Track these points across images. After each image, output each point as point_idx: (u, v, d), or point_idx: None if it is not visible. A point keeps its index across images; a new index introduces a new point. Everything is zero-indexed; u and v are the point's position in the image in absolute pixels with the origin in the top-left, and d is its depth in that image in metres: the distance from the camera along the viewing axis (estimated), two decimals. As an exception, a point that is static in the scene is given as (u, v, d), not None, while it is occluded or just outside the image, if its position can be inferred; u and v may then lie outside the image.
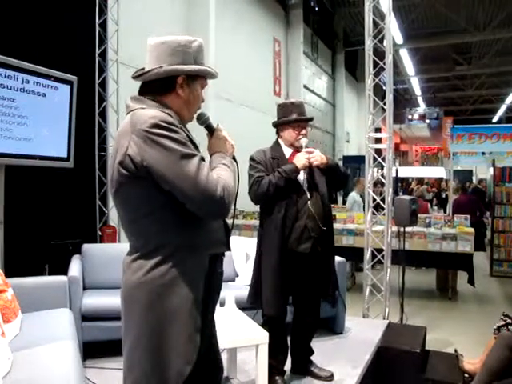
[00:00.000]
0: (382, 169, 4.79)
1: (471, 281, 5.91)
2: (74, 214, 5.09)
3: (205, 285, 1.55)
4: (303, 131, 2.96)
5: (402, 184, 16.19)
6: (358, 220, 6.39)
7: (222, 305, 3.04)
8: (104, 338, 3.28)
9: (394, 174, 10.66)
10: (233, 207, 1.58)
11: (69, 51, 4.90)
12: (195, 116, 1.71)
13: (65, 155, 4.55)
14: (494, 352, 3.17)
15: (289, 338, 3.08)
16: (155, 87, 1.60)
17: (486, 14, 12.96)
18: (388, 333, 3.98)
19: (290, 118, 2.94)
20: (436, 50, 15.55)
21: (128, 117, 1.55)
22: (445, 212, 11.17)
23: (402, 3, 12.41)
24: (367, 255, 4.69)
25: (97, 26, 5.56)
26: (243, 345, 2.72)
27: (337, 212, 6.86)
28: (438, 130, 18.95)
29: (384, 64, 4.60)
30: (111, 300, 3.22)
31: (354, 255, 5.82)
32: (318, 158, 2.87)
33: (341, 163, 11.95)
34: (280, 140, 3.03)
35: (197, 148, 1.60)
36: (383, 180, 4.72)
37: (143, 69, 1.63)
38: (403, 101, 22.95)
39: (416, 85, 20.62)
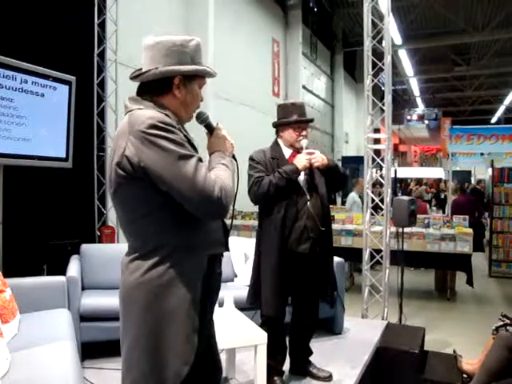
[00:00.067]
0: (381, 169, 4.79)
1: (470, 281, 5.92)
2: (72, 214, 5.08)
3: (203, 285, 1.55)
4: (303, 132, 2.96)
5: (400, 185, 16.21)
6: (357, 220, 6.39)
7: (221, 305, 3.03)
8: (102, 339, 3.27)
9: (393, 175, 10.66)
10: (232, 207, 1.57)
11: (67, 51, 4.90)
12: (194, 115, 1.70)
13: (63, 155, 4.55)
14: (492, 352, 3.18)
15: (287, 339, 3.08)
16: (152, 88, 1.59)
17: (485, 14, 12.98)
18: (387, 333, 3.98)
19: (291, 118, 2.94)
20: (435, 50, 15.57)
21: (126, 117, 1.55)
22: (444, 213, 11.18)
23: (400, 4, 12.43)
24: (366, 256, 4.69)
25: (95, 26, 5.56)
26: (242, 345, 2.71)
27: (336, 213, 6.86)
28: (437, 130, 18.96)
29: (383, 65, 4.60)
30: (110, 300, 3.22)
31: (353, 256, 5.82)
32: (319, 159, 2.87)
33: (340, 164, 11.95)
34: (279, 140, 3.03)
35: (195, 149, 1.59)
36: (382, 180, 4.72)
37: (141, 69, 1.62)
38: (402, 101, 22.97)
39: (415, 85, 20.64)
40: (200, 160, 1.50)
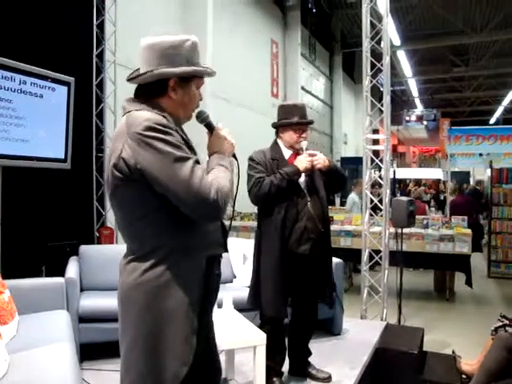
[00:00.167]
0: (380, 170, 4.79)
1: (469, 282, 5.92)
2: (71, 215, 5.08)
3: (202, 286, 1.55)
4: (304, 134, 2.96)
5: (399, 185, 16.22)
6: (356, 221, 6.40)
7: (220, 306, 3.03)
8: (101, 340, 3.27)
9: (392, 176, 10.67)
10: (231, 208, 1.57)
11: (66, 52, 4.90)
12: (194, 114, 1.69)
13: (62, 156, 4.55)
14: (491, 353, 3.18)
15: (286, 340, 3.08)
16: (149, 90, 1.59)
17: (483, 15, 13.00)
18: (386, 334, 3.98)
19: (292, 120, 2.93)
20: (433, 51, 15.58)
21: (123, 119, 1.54)
22: (443, 214, 11.19)
23: (399, 5, 12.44)
24: (365, 256, 4.69)
25: (94, 27, 5.56)
26: (241, 346, 2.72)
27: (335, 213, 6.86)
28: (436, 131, 18.95)
29: (381, 65, 4.61)
30: (108, 301, 3.21)
31: (352, 256, 5.83)
32: (321, 161, 2.87)
33: (338, 165, 11.96)
34: (279, 141, 3.02)
35: (192, 150, 1.59)
36: (381, 181, 4.72)
37: (138, 69, 1.62)
38: (401, 102, 22.97)
39: (413, 86, 20.65)
40: (197, 162, 1.49)
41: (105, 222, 5.69)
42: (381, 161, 4.66)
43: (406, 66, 16.92)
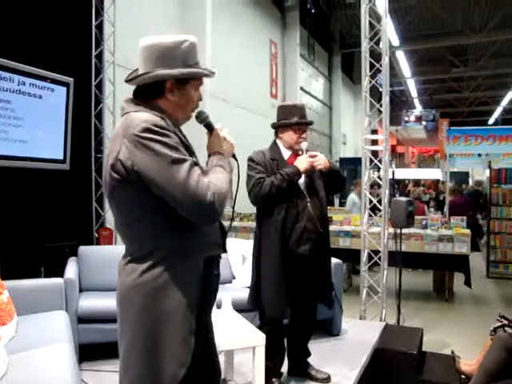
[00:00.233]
0: (379, 170, 4.79)
1: (468, 282, 5.92)
2: (70, 216, 5.07)
3: (200, 287, 1.54)
4: (304, 135, 2.96)
5: (398, 186, 16.22)
6: (355, 222, 6.40)
7: (219, 307, 3.03)
8: (100, 341, 3.27)
9: (391, 176, 10.66)
10: (230, 209, 1.57)
11: (65, 53, 4.90)
12: (194, 115, 1.69)
13: (61, 157, 4.55)
14: (490, 353, 3.18)
15: (285, 340, 3.08)
16: (147, 91, 1.58)
17: (482, 16, 13.01)
18: (385, 334, 3.98)
19: (292, 120, 2.93)
20: (432, 51, 15.58)
21: (121, 120, 1.54)
22: (442, 214, 11.20)
23: (398, 5, 12.44)
24: (364, 257, 4.69)
25: (93, 27, 5.56)
26: (240, 347, 2.72)
27: (334, 214, 6.86)
28: (435, 131, 18.96)
29: (380, 66, 4.61)
30: (107, 302, 3.20)
31: (351, 257, 5.83)
32: (322, 162, 2.87)
33: (337, 165, 11.96)
34: (278, 141, 3.02)
35: (191, 151, 1.58)
36: (380, 182, 4.73)
37: (137, 70, 1.62)
38: (399, 103, 22.99)
39: (412, 87, 20.67)
40: (195, 163, 1.49)
41: (104, 223, 5.69)
42: (380, 161, 4.66)
43: (405, 67, 16.94)
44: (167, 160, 1.42)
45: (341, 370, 3.20)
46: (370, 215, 4.77)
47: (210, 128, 1.70)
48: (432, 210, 11.16)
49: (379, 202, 4.66)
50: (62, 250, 4.60)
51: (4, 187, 4.22)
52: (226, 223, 1.72)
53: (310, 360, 3.16)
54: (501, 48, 14.73)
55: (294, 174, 2.82)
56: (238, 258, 4.40)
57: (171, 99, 1.59)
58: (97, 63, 5.65)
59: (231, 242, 4.30)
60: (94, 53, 5.59)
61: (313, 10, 13.78)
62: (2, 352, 2.18)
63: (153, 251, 1.49)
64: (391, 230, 4.71)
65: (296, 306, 3.04)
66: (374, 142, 4.87)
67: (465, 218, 6.41)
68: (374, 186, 6.03)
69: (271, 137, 3.10)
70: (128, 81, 1.62)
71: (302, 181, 2.90)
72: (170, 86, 1.57)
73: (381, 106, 4.66)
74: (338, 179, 3.08)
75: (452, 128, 10.60)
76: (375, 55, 4.69)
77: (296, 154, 2.96)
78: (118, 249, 1.64)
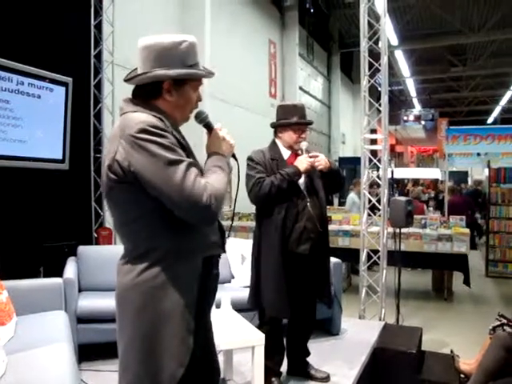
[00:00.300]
0: (378, 170, 4.80)
1: (467, 281, 5.92)
2: (69, 216, 5.07)
3: (199, 287, 1.54)
4: (303, 134, 2.97)
5: (397, 185, 16.23)
6: (354, 221, 6.40)
7: (218, 306, 3.03)
8: (99, 340, 3.27)
9: (390, 176, 10.65)
10: (228, 208, 1.56)
11: (64, 53, 4.89)
12: (193, 115, 1.68)
13: (60, 157, 4.55)
14: (489, 352, 3.18)
15: (285, 339, 3.08)
16: (145, 91, 1.58)
17: (481, 15, 13.01)
18: (384, 334, 3.98)
19: (292, 120, 2.93)
20: (431, 51, 15.59)
21: (119, 120, 1.54)
22: (441, 213, 11.21)
23: (396, 5, 12.44)
24: (363, 256, 4.69)
25: (92, 27, 5.55)
26: (239, 346, 2.71)
27: (333, 213, 6.86)
28: (434, 131, 18.99)
29: (379, 65, 4.61)
30: (107, 302, 3.20)
31: (350, 256, 5.83)
32: (322, 162, 2.88)
33: (336, 164, 11.97)
34: (278, 141, 3.02)
35: (188, 152, 1.57)
36: (379, 181, 4.73)
37: (136, 69, 1.62)
38: (398, 102, 23.00)
39: (411, 86, 20.69)
40: (192, 164, 1.47)
41: (103, 223, 5.69)
42: (379, 161, 4.66)
43: (404, 66, 16.95)
44: (163, 161, 1.42)
45: (340, 370, 3.20)
46: (369, 214, 4.77)
47: (209, 128, 1.69)
48: (431, 209, 11.17)
49: (378, 201, 4.67)
50: (61, 250, 4.59)
51: (3, 187, 4.21)
52: (225, 223, 1.72)
53: (309, 359, 3.16)
54: (499, 47, 14.75)
55: (294, 174, 2.82)
56: (237, 257, 4.40)
57: (169, 100, 1.58)
58: (96, 63, 5.64)
59: (230, 241, 4.30)
60: (92, 52, 5.58)
61: (312, 10, 13.79)
62: (1, 352, 2.18)
63: (150, 251, 1.49)
64: (390, 229, 4.71)
65: (295, 306, 3.04)
66: (373, 142, 4.87)
67: (464, 217, 6.41)
68: (373, 185, 6.03)
69: (270, 136, 3.09)
70: (126, 80, 1.62)
71: (301, 181, 2.90)
72: (167, 87, 1.57)
73: (380, 105, 4.66)
74: (338, 179, 3.09)
75: (451, 127, 10.60)
76: (374, 55, 4.69)
77: (296, 153, 2.97)
78: (118, 249, 1.63)
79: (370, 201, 4.73)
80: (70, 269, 3.64)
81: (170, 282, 1.48)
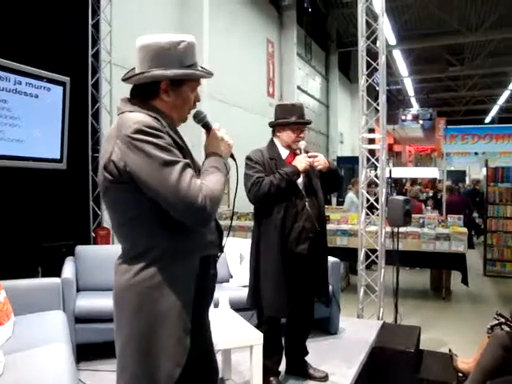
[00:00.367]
0: (376, 169, 4.80)
1: (465, 280, 5.93)
2: (67, 215, 5.06)
3: (196, 287, 1.54)
4: (302, 134, 2.97)
5: (395, 184, 16.24)
6: (352, 220, 6.40)
7: (217, 306, 3.03)
8: (98, 340, 3.26)
9: (388, 175, 10.68)
10: (227, 208, 1.56)
11: (61, 52, 4.88)
12: (192, 114, 1.67)
13: (58, 157, 4.54)
14: (487, 351, 3.19)
15: (283, 339, 3.08)
16: (143, 91, 1.57)
17: (479, 15, 13.04)
18: (382, 333, 3.99)
19: (290, 119, 2.93)
20: (429, 50, 15.61)
21: (116, 120, 1.54)
22: (439, 213, 11.22)
23: (394, 4, 12.45)
24: (361, 256, 4.70)
25: (90, 26, 5.54)
26: (237, 346, 2.72)
27: (331, 213, 6.87)
28: (431, 130, 19.02)
29: (377, 65, 4.61)
30: (105, 302, 3.19)
31: (349, 256, 5.82)
32: (322, 162, 2.88)
33: (335, 164, 11.98)
34: (276, 140, 3.02)
35: (186, 152, 1.56)
36: (377, 180, 4.73)
37: (134, 69, 1.61)
38: (396, 101, 23.03)
39: (409, 85, 20.70)
40: (188, 165, 1.47)
41: (101, 223, 5.68)
42: (377, 160, 4.66)
43: (402, 66, 16.96)
44: (159, 162, 1.41)
45: (338, 369, 3.21)
46: (368, 214, 4.77)
47: (207, 128, 1.68)
48: (429, 208, 11.18)
49: (376, 200, 4.67)
50: (59, 250, 4.59)
51: (0, 187, 4.20)
52: (223, 223, 1.72)
53: (307, 359, 3.16)
54: (497, 47, 14.77)
55: (293, 174, 2.82)
56: (236, 257, 4.40)
57: (166, 100, 1.57)
58: (93, 62, 5.63)
59: (228, 240, 4.29)
60: (90, 52, 5.57)
61: (310, 9, 13.79)
62: (-1, 352, 2.18)
63: (147, 251, 1.49)
64: (388, 228, 4.71)
65: (294, 305, 3.04)
66: (371, 141, 4.87)
67: (462, 216, 6.42)
68: (372, 184, 6.04)
69: (269, 136, 3.09)
70: (124, 80, 1.61)
71: (300, 180, 2.90)
72: (164, 87, 1.56)
73: (378, 104, 4.66)
74: (336, 179, 3.09)
75: (449, 127, 10.63)
76: (372, 54, 4.69)
77: (294, 153, 2.97)
78: (116, 248, 1.63)
79: (368, 200, 4.73)
80: (68, 268, 3.64)
81: (167, 282, 1.48)
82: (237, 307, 3.12)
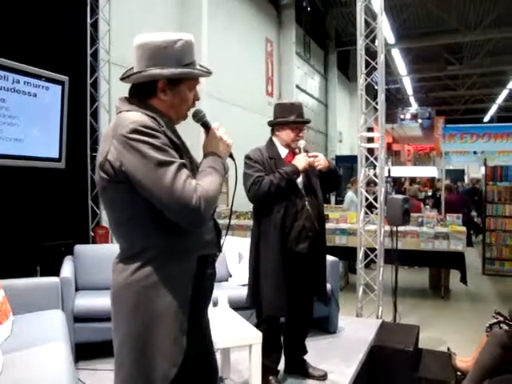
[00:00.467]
0: (375, 168, 4.80)
1: (463, 279, 5.94)
2: (66, 214, 5.06)
3: (193, 286, 1.53)
4: (301, 133, 2.97)
5: (394, 183, 16.25)
6: (351, 219, 6.40)
7: (216, 305, 3.03)
8: (96, 339, 3.26)
9: (387, 174, 10.68)
10: (225, 207, 1.56)
11: (60, 51, 4.88)
12: (191, 113, 1.66)
13: (56, 156, 4.54)
14: (486, 350, 3.19)
15: (282, 338, 3.08)
16: (141, 90, 1.56)
17: (477, 14, 13.05)
18: (381, 332, 3.99)
19: (289, 118, 2.93)
20: (428, 49, 15.62)
21: (113, 119, 1.53)
22: (438, 212, 11.23)
23: (393, 3, 12.46)
24: (360, 254, 4.70)
25: (88, 26, 5.54)
26: (236, 345, 2.72)
27: (330, 212, 6.87)
28: (430, 129, 19.03)
29: (376, 64, 4.62)
30: (103, 301, 3.15)
31: (348, 255, 5.83)
32: (322, 162, 2.88)
33: (334, 163, 11.98)
34: (275, 139, 3.02)
35: (183, 151, 1.56)
36: (376, 179, 4.73)
37: (132, 68, 1.60)
38: (395, 100, 23.04)
39: (408, 84, 20.72)
40: (183, 165, 1.46)
41: (100, 222, 5.68)
42: (375, 159, 4.67)
43: (401, 65, 16.97)
44: (154, 162, 1.40)
45: (337, 368, 3.21)
46: (366, 213, 4.78)
47: (206, 127, 1.67)
48: (428, 207, 11.19)
49: (375, 199, 4.67)
50: (57, 249, 4.58)
51: (-1, 186, 4.21)
52: (222, 222, 1.71)
53: (306, 357, 3.16)
54: (496, 46, 14.78)
55: (292, 173, 2.82)
56: (235, 256, 4.40)
57: (164, 99, 1.56)
58: (92, 62, 5.63)
59: (227, 239, 4.29)
60: (89, 51, 5.57)
61: (308, 8, 13.81)
62: (-3, 351, 2.18)
63: (144, 250, 1.49)
64: (387, 227, 4.72)
65: (293, 304, 3.04)
66: (370, 140, 4.88)
67: (460, 215, 6.43)
68: (370, 183, 6.04)
69: (268, 135, 3.09)
70: (122, 79, 1.61)
71: (299, 179, 2.90)
72: (162, 86, 1.55)
73: (376, 103, 4.66)
74: (336, 178, 3.09)
75: (448, 126, 10.63)
76: (371, 53, 4.69)
77: (293, 152, 2.96)
78: (114, 247, 1.63)
79: (366, 199, 4.73)
80: (67, 268, 3.63)
81: (162, 282, 1.47)
82: (236, 306, 3.11)
